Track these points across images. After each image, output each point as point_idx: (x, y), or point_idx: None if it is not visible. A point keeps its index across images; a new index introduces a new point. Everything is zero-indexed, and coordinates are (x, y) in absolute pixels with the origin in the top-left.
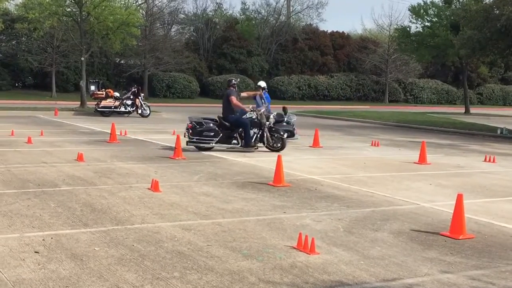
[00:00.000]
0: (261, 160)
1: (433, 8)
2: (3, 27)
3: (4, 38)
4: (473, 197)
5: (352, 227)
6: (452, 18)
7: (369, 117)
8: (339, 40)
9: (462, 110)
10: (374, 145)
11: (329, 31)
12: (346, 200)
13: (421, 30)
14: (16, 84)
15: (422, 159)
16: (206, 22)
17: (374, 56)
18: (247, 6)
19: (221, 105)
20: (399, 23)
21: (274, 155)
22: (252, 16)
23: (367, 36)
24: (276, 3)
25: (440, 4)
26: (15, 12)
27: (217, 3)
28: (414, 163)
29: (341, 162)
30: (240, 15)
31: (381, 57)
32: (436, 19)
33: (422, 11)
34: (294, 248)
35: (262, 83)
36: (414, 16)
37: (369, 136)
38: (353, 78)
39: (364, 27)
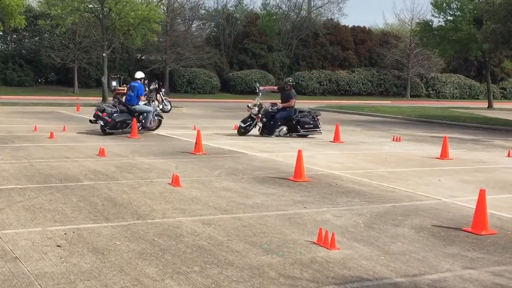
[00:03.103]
0: (281, 155)
1: (456, 2)
2: (26, 24)
3: (27, 34)
4: (495, 193)
5: (373, 222)
6: (475, 12)
7: (391, 112)
8: (361, 34)
9: (485, 105)
10: (396, 140)
11: (350, 26)
12: (366, 195)
13: (443, 25)
14: (39, 80)
15: (444, 155)
16: (227, 18)
17: (395, 50)
18: (268, 1)
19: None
20: (421, 17)
21: (295, 149)
22: (273, 11)
23: (389, 30)
24: None
25: None
26: (38, 8)
27: None
28: (436, 158)
29: (362, 157)
30: (261, 10)
31: (403, 51)
32: (458, 13)
33: (444, 5)
34: (314, 243)
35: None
36: (436, 10)
37: (391, 131)
38: (375, 73)
39: (385, 21)
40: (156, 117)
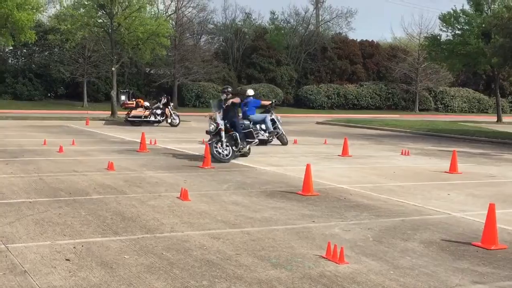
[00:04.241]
0: (290, 169)
1: (464, 16)
2: (36, 39)
3: (37, 49)
4: (505, 207)
5: (382, 236)
6: (483, 26)
7: (399, 126)
8: (369, 48)
9: (494, 119)
10: (404, 154)
11: (358, 40)
12: (375, 209)
13: (451, 39)
14: (49, 94)
15: (453, 168)
16: (235, 32)
17: (404, 64)
18: (276, 16)
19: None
20: (429, 31)
21: (303, 163)
22: (281, 25)
23: (397, 44)
24: (305, 13)
25: (471, 12)
26: (48, 23)
27: (246, 13)
28: (445, 172)
29: (370, 171)
30: (269, 25)
31: (411, 65)
32: (467, 27)
33: (452, 19)
34: (323, 257)
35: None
36: (444, 24)
37: (399, 145)
38: (383, 87)
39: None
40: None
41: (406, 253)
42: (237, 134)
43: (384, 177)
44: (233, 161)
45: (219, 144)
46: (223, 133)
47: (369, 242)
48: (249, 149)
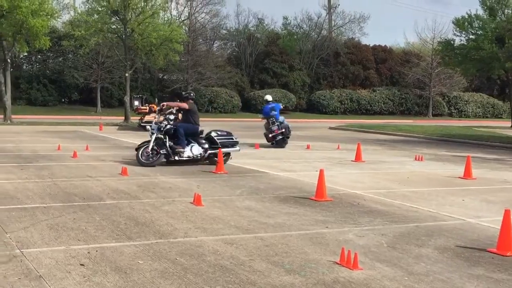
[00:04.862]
0: (303, 175)
1: (478, 21)
2: (51, 45)
3: (51, 55)
4: None
5: (396, 242)
6: (497, 30)
7: (413, 131)
8: (382, 54)
9: (509, 124)
10: (418, 159)
11: (371, 45)
12: (389, 215)
13: (465, 43)
14: (63, 100)
15: (467, 174)
16: (248, 37)
17: (417, 69)
18: (289, 21)
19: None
20: (442, 36)
21: (316, 169)
22: (293, 31)
23: (410, 49)
24: (318, 18)
25: (485, 17)
26: (62, 30)
27: (259, 19)
28: (459, 178)
29: (384, 176)
30: (282, 30)
31: (425, 70)
32: (480, 31)
33: (466, 24)
34: (337, 263)
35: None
36: (458, 29)
37: (413, 150)
38: (396, 92)
39: (407, 40)
40: None
41: (421, 259)
42: (166, 140)
43: (398, 182)
44: (246, 166)
45: (147, 148)
46: (153, 137)
47: (383, 248)
48: (225, 155)
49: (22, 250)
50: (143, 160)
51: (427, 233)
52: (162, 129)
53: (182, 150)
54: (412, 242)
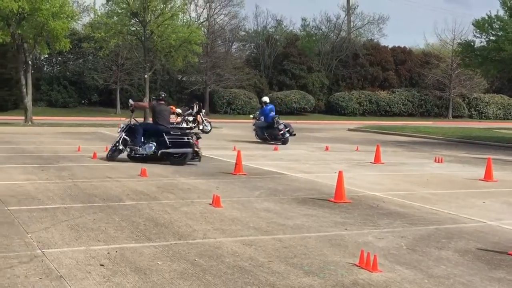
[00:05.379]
0: (321, 176)
1: (498, 22)
2: (71, 47)
3: (71, 57)
4: None
5: (416, 245)
6: None
7: (432, 133)
8: (401, 55)
9: None
10: (438, 161)
11: (390, 46)
12: (409, 217)
13: (485, 45)
14: (83, 101)
15: (488, 176)
16: (267, 39)
17: (436, 71)
18: (308, 23)
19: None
20: (462, 37)
21: (334, 170)
22: (312, 32)
23: (430, 51)
24: (337, 19)
25: (506, 18)
26: (82, 32)
27: (277, 20)
28: (480, 180)
29: (403, 178)
30: (301, 31)
31: (444, 72)
32: (501, 33)
33: (486, 25)
34: (356, 265)
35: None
36: (478, 30)
37: (432, 152)
38: (415, 93)
39: (426, 41)
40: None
41: (441, 262)
42: (126, 138)
43: (417, 184)
44: (264, 167)
45: (113, 145)
46: (118, 135)
47: (402, 250)
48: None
49: (43, 250)
50: (108, 155)
51: (447, 235)
52: (125, 128)
53: (136, 147)
54: (432, 244)
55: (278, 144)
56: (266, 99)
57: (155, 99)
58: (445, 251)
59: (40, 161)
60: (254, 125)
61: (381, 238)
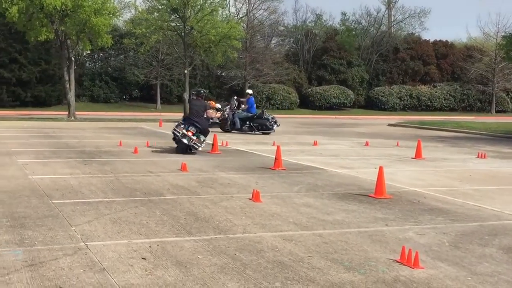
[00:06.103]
0: (361, 172)
1: None
2: (113, 43)
3: (113, 53)
4: None
5: (458, 241)
6: None
7: (475, 128)
8: (443, 49)
9: None
10: (480, 157)
11: (432, 40)
12: (451, 213)
13: None
14: (124, 97)
15: None
16: (306, 34)
17: (480, 65)
18: (347, 17)
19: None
20: (507, 30)
21: (375, 165)
22: (352, 26)
23: (472, 44)
24: (377, 13)
25: None
26: (123, 28)
27: (317, 15)
28: None
29: (445, 174)
30: (340, 26)
31: (488, 66)
32: None
33: None
34: (397, 261)
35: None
36: None
37: (475, 147)
38: (458, 88)
39: (469, 35)
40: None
41: (484, 259)
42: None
43: (460, 180)
44: (304, 162)
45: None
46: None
47: (444, 247)
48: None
49: (86, 243)
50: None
51: (491, 232)
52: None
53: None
54: (475, 241)
55: (260, 134)
56: (250, 91)
57: (195, 94)
58: (488, 248)
59: (83, 155)
60: (223, 117)
61: (422, 235)
